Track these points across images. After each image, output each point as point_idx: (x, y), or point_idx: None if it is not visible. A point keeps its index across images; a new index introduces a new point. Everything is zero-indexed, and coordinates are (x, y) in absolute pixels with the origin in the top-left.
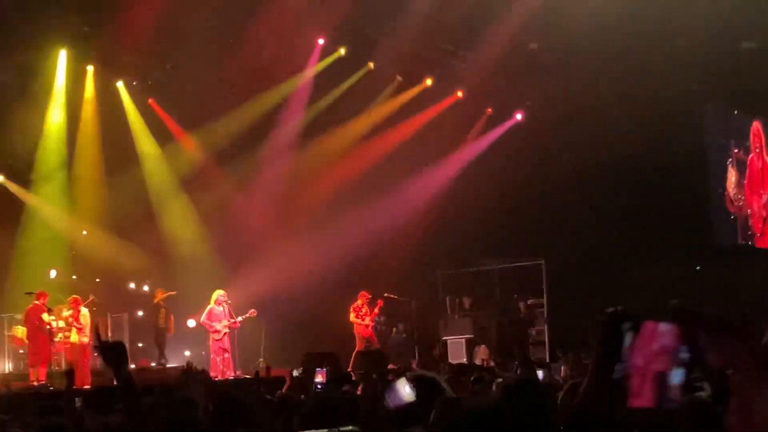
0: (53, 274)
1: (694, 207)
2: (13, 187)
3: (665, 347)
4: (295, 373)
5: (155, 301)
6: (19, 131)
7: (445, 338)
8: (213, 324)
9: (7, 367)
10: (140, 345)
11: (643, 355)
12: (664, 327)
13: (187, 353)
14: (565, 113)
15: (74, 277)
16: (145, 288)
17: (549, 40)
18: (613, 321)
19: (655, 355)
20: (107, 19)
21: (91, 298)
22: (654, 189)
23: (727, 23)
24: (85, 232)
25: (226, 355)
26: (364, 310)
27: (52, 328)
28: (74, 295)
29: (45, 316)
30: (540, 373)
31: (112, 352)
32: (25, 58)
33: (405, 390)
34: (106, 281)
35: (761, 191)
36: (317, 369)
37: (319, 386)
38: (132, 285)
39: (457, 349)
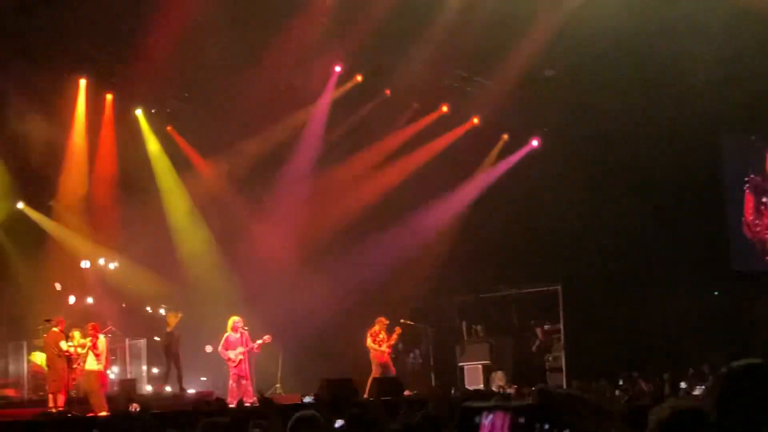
0: (72, 299)
1: (711, 232)
2: (33, 214)
3: None
4: (307, 399)
5: (168, 329)
6: (39, 158)
7: (461, 364)
8: (227, 352)
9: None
10: (155, 371)
11: None
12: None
13: (203, 379)
14: (582, 139)
15: (90, 300)
16: (161, 312)
17: (565, 67)
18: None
19: None
20: (126, 48)
21: (109, 327)
22: (672, 214)
23: (744, 49)
24: (102, 260)
25: (244, 381)
26: (381, 336)
27: (70, 354)
28: (93, 323)
29: (63, 344)
30: None
31: None
32: (45, 87)
33: None
34: (123, 306)
35: None
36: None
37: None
38: (148, 309)
39: (473, 375)
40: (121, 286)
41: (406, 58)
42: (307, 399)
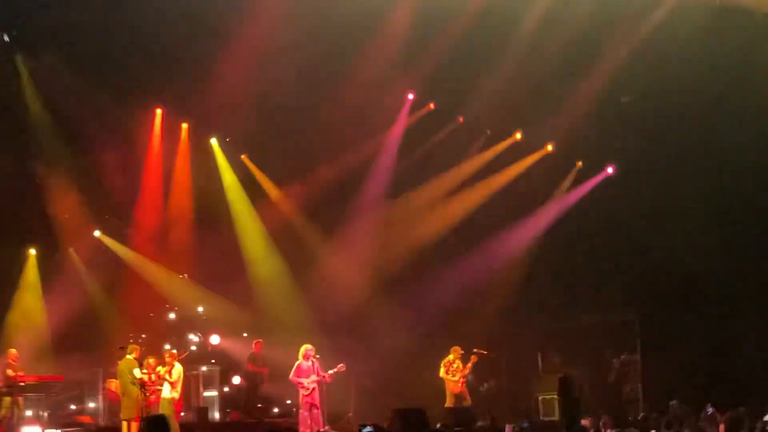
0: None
1: None
2: (110, 242)
3: None
4: (367, 430)
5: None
6: (116, 187)
7: (537, 395)
8: (301, 380)
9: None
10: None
11: None
12: None
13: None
14: (659, 164)
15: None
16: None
17: (641, 92)
18: None
19: None
20: (202, 78)
21: (185, 353)
22: (757, 240)
23: None
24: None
25: (315, 410)
26: (456, 365)
27: (144, 382)
28: (170, 350)
29: (137, 371)
30: None
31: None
32: (123, 116)
33: None
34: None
35: None
36: None
37: None
38: (215, 339)
39: (549, 406)
40: (196, 311)
41: (480, 85)
42: (367, 430)
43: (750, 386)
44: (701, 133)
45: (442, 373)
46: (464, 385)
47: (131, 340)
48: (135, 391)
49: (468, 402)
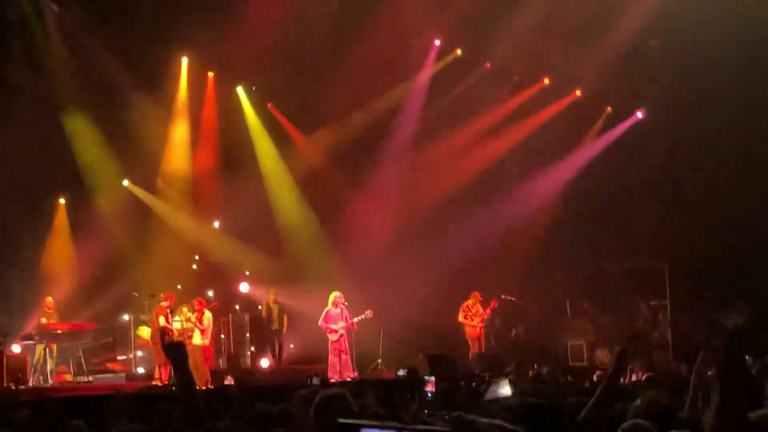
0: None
1: None
2: (139, 191)
3: None
4: (401, 372)
5: (268, 302)
6: (143, 137)
7: (565, 341)
8: (330, 326)
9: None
10: (252, 349)
11: None
12: None
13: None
14: (688, 110)
15: (194, 272)
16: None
17: (670, 36)
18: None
19: None
20: (227, 25)
21: (214, 302)
22: None
23: None
24: (216, 224)
25: (344, 356)
26: (474, 310)
27: (167, 329)
28: (198, 298)
29: (161, 319)
30: None
31: (175, 352)
32: (149, 65)
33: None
34: (225, 281)
35: None
36: (426, 378)
37: (429, 394)
38: (245, 287)
39: (578, 351)
40: (225, 260)
41: (506, 31)
42: (402, 372)
43: None
44: (730, 76)
45: (460, 317)
46: (482, 330)
47: (165, 289)
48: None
49: (483, 348)
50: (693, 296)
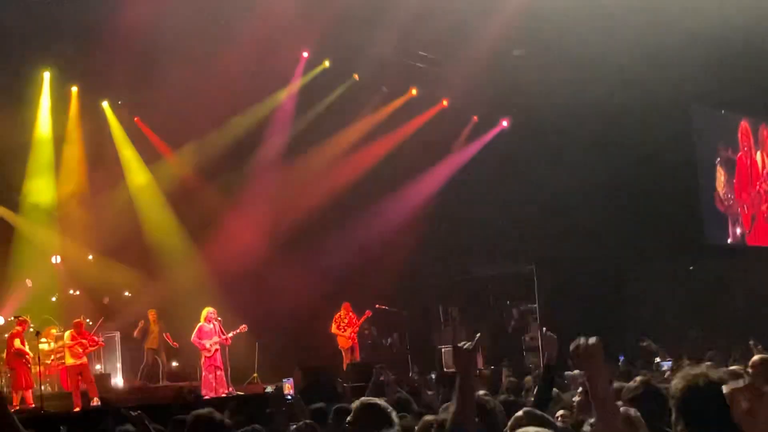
0: (29, 283)
1: (685, 207)
2: (2, 211)
3: None
4: (269, 389)
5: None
6: (5, 154)
7: (439, 347)
8: (203, 341)
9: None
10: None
11: None
12: None
13: (175, 364)
14: (553, 118)
15: (53, 299)
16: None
17: (533, 46)
18: None
19: None
20: (90, 39)
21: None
22: (645, 190)
23: (712, 24)
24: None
25: (219, 372)
26: (346, 320)
27: (25, 353)
28: (77, 319)
29: (16, 342)
30: None
31: None
32: (8, 81)
33: None
34: (105, 301)
35: (750, 190)
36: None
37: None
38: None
39: (451, 357)
40: (95, 280)
41: (374, 42)
42: (269, 389)
43: (648, 329)
44: (594, 84)
45: (333, 328)
46: (355, 340)
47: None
48: (19, 361)
49: (357, 357)
50: (563, 297)
